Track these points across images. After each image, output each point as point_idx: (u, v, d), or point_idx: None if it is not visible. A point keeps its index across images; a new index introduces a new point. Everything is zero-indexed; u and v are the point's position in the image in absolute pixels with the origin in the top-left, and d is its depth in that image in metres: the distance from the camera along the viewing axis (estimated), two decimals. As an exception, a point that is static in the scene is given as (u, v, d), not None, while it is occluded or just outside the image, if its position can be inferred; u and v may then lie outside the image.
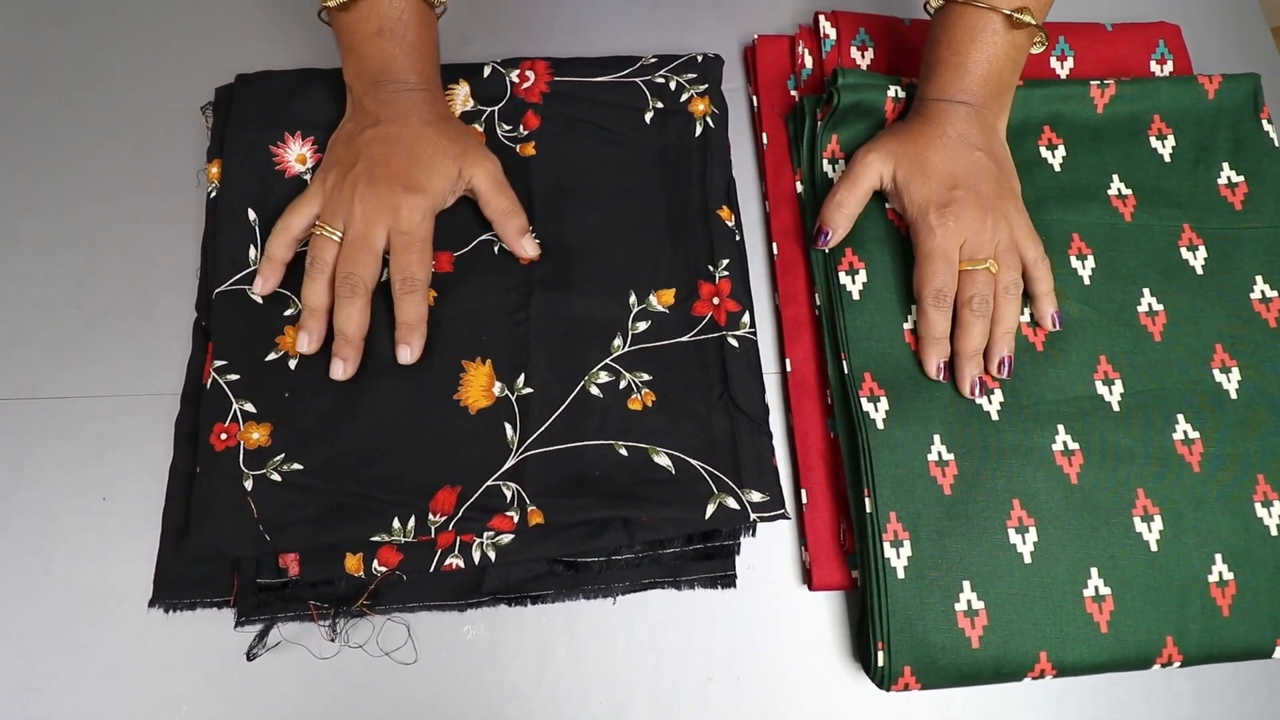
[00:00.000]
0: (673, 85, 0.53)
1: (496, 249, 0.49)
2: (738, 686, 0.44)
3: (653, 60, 0.54)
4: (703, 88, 0.53)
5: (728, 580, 0.45)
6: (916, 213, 0.47)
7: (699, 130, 0.53)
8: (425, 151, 0.46)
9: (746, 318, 0.48)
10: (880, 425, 0.44)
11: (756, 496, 0.44)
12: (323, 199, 0.47)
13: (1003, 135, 0.50)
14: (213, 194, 0.50)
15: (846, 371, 0.46)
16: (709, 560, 0.45)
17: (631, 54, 0.54)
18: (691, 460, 0.45)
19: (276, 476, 0.43)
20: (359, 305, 0.45)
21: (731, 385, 0.46)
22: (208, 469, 0.43)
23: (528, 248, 0.48)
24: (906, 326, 0.47)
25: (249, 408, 0.45)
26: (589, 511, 0.43)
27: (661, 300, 0.48)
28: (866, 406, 0.45)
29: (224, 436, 0.44)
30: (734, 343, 0.47)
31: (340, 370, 0.45)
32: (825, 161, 0.51)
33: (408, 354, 0.45)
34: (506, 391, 0.46)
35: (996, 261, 0.46)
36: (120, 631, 0.43)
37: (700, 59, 0.54)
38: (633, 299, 0.48)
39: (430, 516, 0.43)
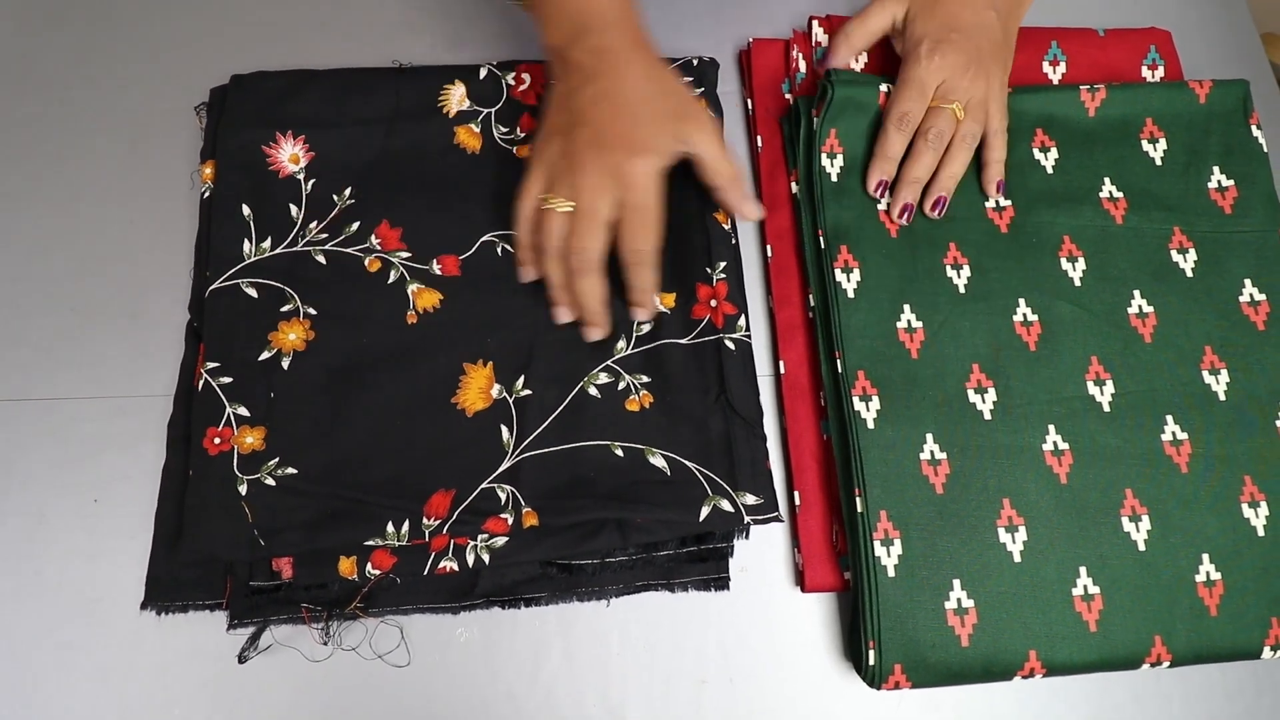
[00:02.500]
0: None
1: (499, 250, 0.50)
2: (731, 688, 0.45)
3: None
4: (698, 91, 0.54)
5: (721, 582, 0.46)
6: (910, 44, 0.50)
7: None
8: (648, 110, 0.44)
9: (742, 320, 0.49)
10: (870, 425, 0.46)
11: (750, 499, 0.45)
12: (547, 171, 0.45)
13: (1017, 23, 0.53)
14: (206, 194, 0.51)
15: (840, 370, 0.47)
16: (703, 562, 0.46)
17: None
18: (687, 462, 0.46)
19: (271, 481, 0.44)
20: (594, 279, 0.45)
21: (728, 388, 0.47)
22: (201, 473, 0.44)
23: (753, 210, 0.49)
24: (900, 326, 0.48)
25: (242, 411, 0.45)
26: (583, 513, 0.44)
27: (664, 302, 0.50)
28: (858, 405, 0.46)
29: (218, 440, 0.45)
30: (730, 345, 0.48)
31: (596, 334, 0.47)
32: (824, 156, 0.51)
33: (640, 315, 0.47)
34: (505, 394, 0.47)
35: (964, 110, 0.49)
36: (111, 634, 0.44)
37: (696, 63, 0.55)
38: None
39: (424, 520, 0.44)
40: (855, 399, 0.46)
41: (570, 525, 0.44)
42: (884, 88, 0.52)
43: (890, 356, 0.48)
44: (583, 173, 0.43)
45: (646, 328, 0.49)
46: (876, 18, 0.52)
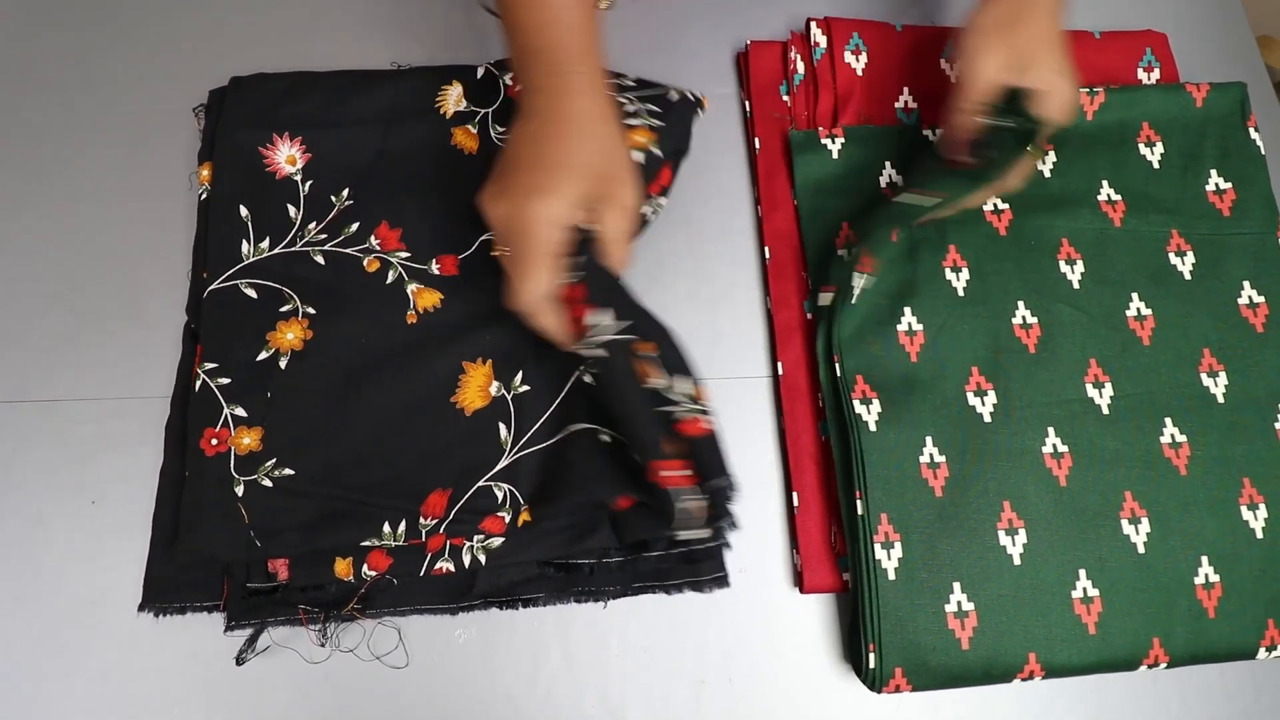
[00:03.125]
0: (629, 107, 0.50)
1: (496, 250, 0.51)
2: (730, 689, 0.45)
3: (631, 83, 0.53)
4: (658, 123, 0.50)
5: (719, 581, 0.46)
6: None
7: (641, 159, 0.48)
8: (568, 162, 0.41)
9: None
10: (873, 428, 0.46)
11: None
12: (488, 208, 0.43)
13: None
14: (204, 196, 0.51)
15: (838, 374, 0.47)
16: (696, 564, 0.45)
17: (620, 71, 0.53)
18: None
19: (268, 482, 0.44)
20: (537, 325, 0.43)
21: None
22: (198, 474, 0.44)
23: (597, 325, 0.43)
24: (900, 329, 0.49)
25: (239, 412, 0.45)
26: (573, 496, 0.43)
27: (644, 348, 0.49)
28: (859, 409, 0.46)
29: (214, 441, 0.45)
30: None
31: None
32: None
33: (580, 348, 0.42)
34: (503, 391, 0.47)
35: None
36: (109, 636, 0.44)
37: (676, 98, 0.52)
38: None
39: (421, 520, 0.44)
40: (856, 402, 0.46)
41: (564, 526, 0.44)
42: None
43: (888, 361, 0.48)
44: (506, 221, 0.41)
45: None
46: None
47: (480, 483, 0.45)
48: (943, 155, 0.49)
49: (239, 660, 0.43)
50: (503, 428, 0.46)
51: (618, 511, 0.44)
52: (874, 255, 0.49)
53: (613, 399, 0.42)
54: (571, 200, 0.41)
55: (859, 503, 0.44)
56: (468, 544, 0.43)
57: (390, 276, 0.49)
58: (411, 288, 0.49)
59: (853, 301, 0.49)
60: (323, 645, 0.43)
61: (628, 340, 0.42)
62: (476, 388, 0.47)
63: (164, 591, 0.44)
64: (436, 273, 0.50)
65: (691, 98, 0.52)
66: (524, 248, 0.41)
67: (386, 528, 0.43)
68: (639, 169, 0.46)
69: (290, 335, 0.48)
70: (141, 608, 0.44)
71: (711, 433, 0.41)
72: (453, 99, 0.54)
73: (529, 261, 0.41)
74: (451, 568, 0.43)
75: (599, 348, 0.42)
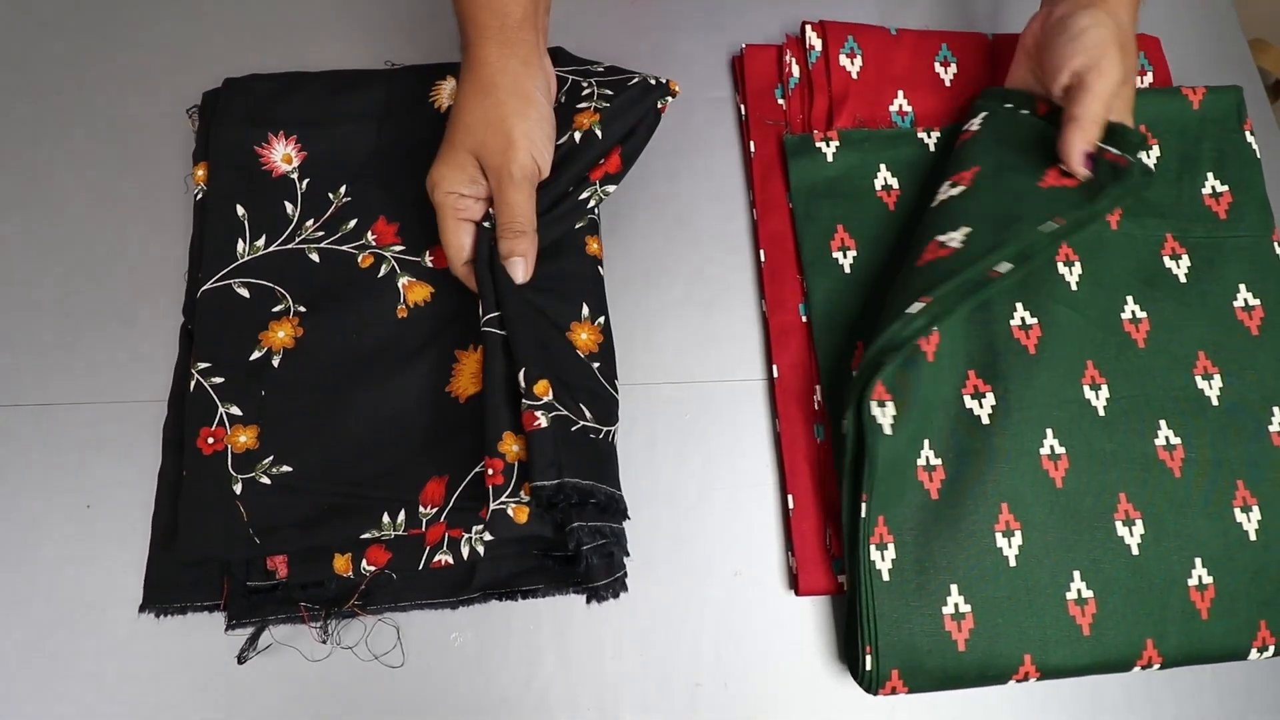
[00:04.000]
0: (584, 90, 0.50)
1: (491, 240, 0.51)
2: (725, 692, 0.45)
3: (600, 69, 0.52)
4: (604, 105, 0.49)
5: (617, 585, 0.45)
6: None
7: (578, 139, 0.48)
8: (463, 124, 0.45)
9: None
10: (887, 430, 0.45)
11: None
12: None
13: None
14: (199, 196, 0.52)
15: (855, 375, 0.46)
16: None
17: (616, 63, 0.54)
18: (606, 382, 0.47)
19: (266, 480, 0.44)
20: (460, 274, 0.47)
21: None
22: (195, 473, 0.45)
23: (516, 270, 0.45)
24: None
25: (235, 410, 0.46)
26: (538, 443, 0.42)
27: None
28: (875, 411, 0.45)
29: (211, 440, 0.45)
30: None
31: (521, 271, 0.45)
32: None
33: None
34: None
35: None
36: (108, 638, 0.44)
37: (635, 81, 0.50)
38: None
39: (421, 509, 0.44)
40: (873, 404, 0.45)
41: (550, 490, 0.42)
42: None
43: (905, 362, 0.47)
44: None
45: None
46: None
47: (478, 468, 0.45)
48: (1063, 163, 0.48)
49: (240, 659, 0.43)
50: None
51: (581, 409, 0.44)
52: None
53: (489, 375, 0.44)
54: (455, 165, 0.44)
55: (863, 505, 0.44)
56: (466, 535, 0.44)
57: (383, 270, 0.50)
58: (403, 281, 0.50)
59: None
60: (324, 643, 0.44)
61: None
62: (470, 374, 0.47)
63: (164, 592, 0.44)
64: (429, 265, 0.50)
65: (654, 82, 0.50)
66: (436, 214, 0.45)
67: (386, 518, 0.44)
68: (570, 149, 0.48)
69: (281, 334, 0.48)
70: (142, 609, 0.44)
71: (542, 429, 0.42)
72: (447, 93, 0.55)
73: (439, 227, 0.45)
74: (450, 560, 0.44)
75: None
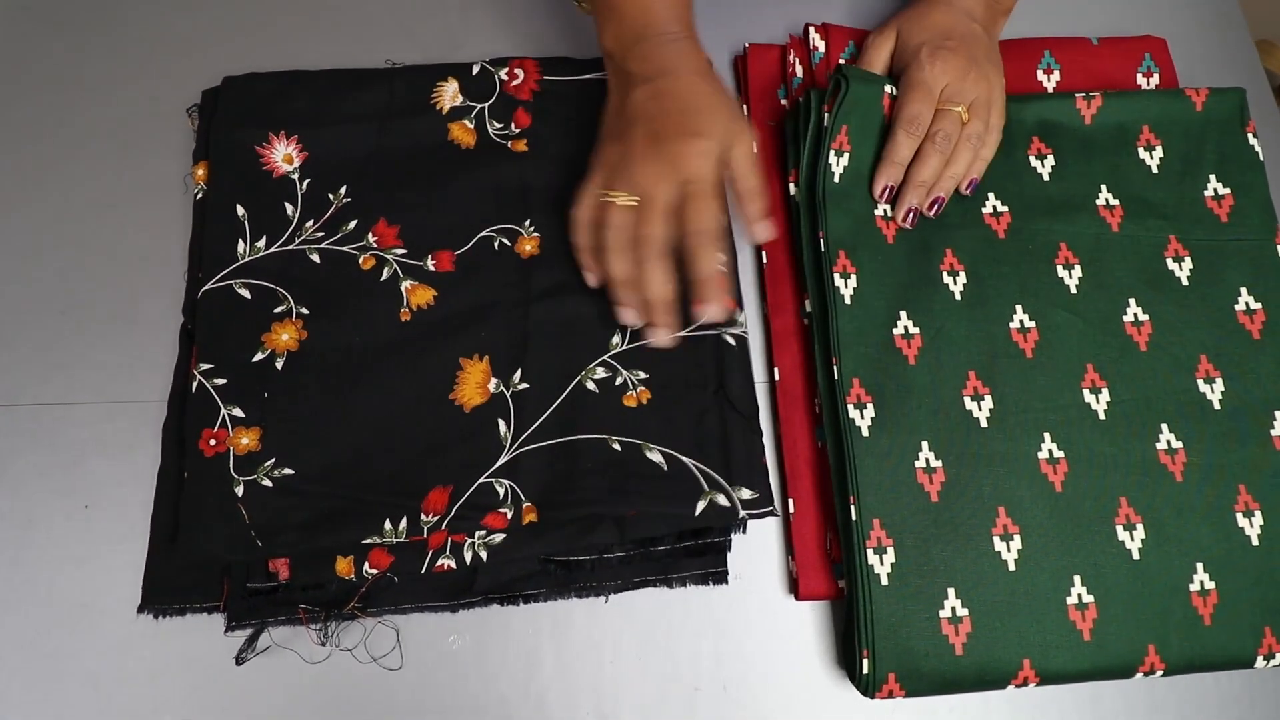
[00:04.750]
0: None
1: (496, 245, 0.51)
2: (724, 696, 0.45)
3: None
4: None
5: (719, 576, 0.46)
6: (910, 54, 0.53)
7: None
8: (701, 100, 0.46)
9: (740, 315, 0.50)
10: (865, 433, 0.46)
11: (746, 494, 0.46)
12: (606, 173, 0.47)
13: (998, 35, 0.56)
14: (199, 196, 0.52)
15: (836, 377, 0.47)
16: (699, 557, 0.47)
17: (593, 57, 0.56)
18: (683, 457, 0.46)
19: (268, 482, 0.45)
20: (661, 266, 0.45)
21: (725, 383, 0.48)
22: (197, 475, 0.45)
23: (765, 231, 0.48)
24: (897, 333, 0.49)
25: (237, 412, 0.46)
26: (581, 507, 0.45)
27: None
28: (853, 413, 0.47)
29: (213, 442, 0.45)
30: (730, 340, 0.49)
31: (665, 337, 0.46)
32: (832, 153, 0.52)
33: (715, 310, 0.45)
34: (502, 388, 0.48)
35: (969, 113, 0.51)
36: (104, 639, 0.45)
37: None
38: None
39: (422, 516, 0.44)
40: (850, 406, 0.47)
41: (567, 520, 0.45)
42: (889, 89, 0.52)
43: (886, 363, 0.48)
44: (642, 163, 0.45)
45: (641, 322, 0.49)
46: (874, 53, 0.55)
47: (481, 479, 0.45)
48: None
49: (239, 660, 0.44)
50: (502, 424, 0.47)
51: (625, 513, 0.44)
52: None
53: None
54: (721, 142, 0.45)
55: (852, 508, 0.45)
56: (469, 541, 0.44)
57: (385, 273, 0.50)
58: (406, 284, 0.50)
59: (848, 303, 0.49)
60: (323, 644, 0.44)
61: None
62: (474, 384, 0.47)
63: (163, 593, 0.45)
64: (432, 269, 0.50)
65: None
66: (694, 185, 0.45)
67: (388, 525, 0.44)
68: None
69: (285, 336, 0.48)
70: (141, 609, 0.45)
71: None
72: (449, 94, 0.55)
73: (706, 196, 0.45)
74: (453, 564, 0.44)
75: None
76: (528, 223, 0.52)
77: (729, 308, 0.46)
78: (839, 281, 0.50)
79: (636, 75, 0.47)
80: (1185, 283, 0.52)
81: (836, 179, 0.52)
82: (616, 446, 0.47)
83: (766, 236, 0.48)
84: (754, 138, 0.48)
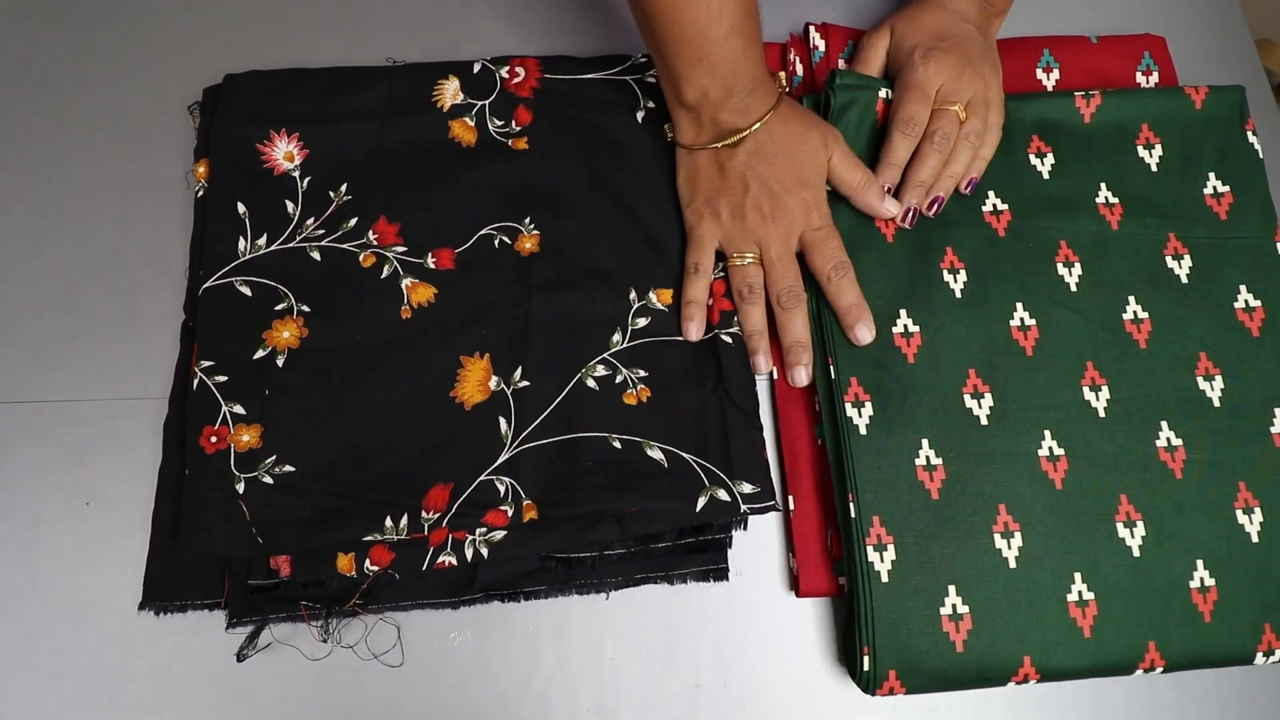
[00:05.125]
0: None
1: (496, 243, 0.51)
2: (725, 693, 0.45)
3: (643, 59, 0.56)
4: None
5: (720, 573, 0.47)
6: (904, 56, 0.53)
7: None
8: (802, 149, 0.49)
9: (737, 316, 0.50)
10: (863, 431, 0.46)
11: (747, 488, 0.46)
12: (723, 232, 0.50)
13: (994, 34, 0.56)
14: (200, 193, 0.52)
15: (833, 376, 0.48)
16: (700, 554, 0.47)
17: (621, 53, 0.57)
18: (684, 454, 0.47)
19: (268, 479, 0.45)
20: (803, 313, 0.49)
21: (725, 378, 0.49)
22: (198, 472, 0.45)
23: (891, 208, 0.51)
24: (896, 331, 0.49)
25: (238, 409, 0.46)
26: (582, 505, 0.45)
27: (661, 299, 0.50)
28: (850, 412, 0.47)
29: (214, 439, 0.45)
30: (727, 340, 0.50)
31: (804, 375, 0.49)
32: None
33: (865, 331, 0.48)
34: (503, 385, 0.48)
35: (966, 111, 0.52)
36: (106, 636, 0.45)
37: None
38: (633, 295, 0.50)
39: (423, 514, 0.45)
40: (848, 405, 0.47)
41: (568, 518, 0.45)
42: (884, 93, 0.53)
43: (886, 362, 0.48)
44: (768, 224, 0.49)
45: (642, 321, 0.50)
46: (870, 52, 0.55)
47: (482, 477, 0.45)
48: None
49: (240, 657, 0.44)
50: (503, 422, 0.47)
51: (626, 510, 0.45)
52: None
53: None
54: (825, 177, 0.51)
55: (851, 505, 0.45)
56: (470, 537, 0.44)
57: (385, 271, 0.50)
58: (406, 282, 0.50)
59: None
60: (324, 641, 0.44)
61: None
62: (475, 382, 0.48)
63: (164, 590, 0.45)
64: (432, 266, 0.50)
65: None
66: (819, 228, 0.49)
67: (389, 522, 0.44)
68: None
69: (286, 334, 0.48)
70: (142, 606, 0.45)
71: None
72: (449, 92, 0.55)
73: (833, 234, 0.49)
74: (454, 561, 0.44)
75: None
76: (528, 220, 0.52)
77: (871, 329, 0.48)
78: None
79: (730, 128, 0.48)
80: (1185, 280, 0.52)
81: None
82: (617, 444, 0.47)
83: (894, 212, 0.51)
84: (843, 141, 0.51)
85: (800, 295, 0.49)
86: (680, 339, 0.50)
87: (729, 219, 0.50)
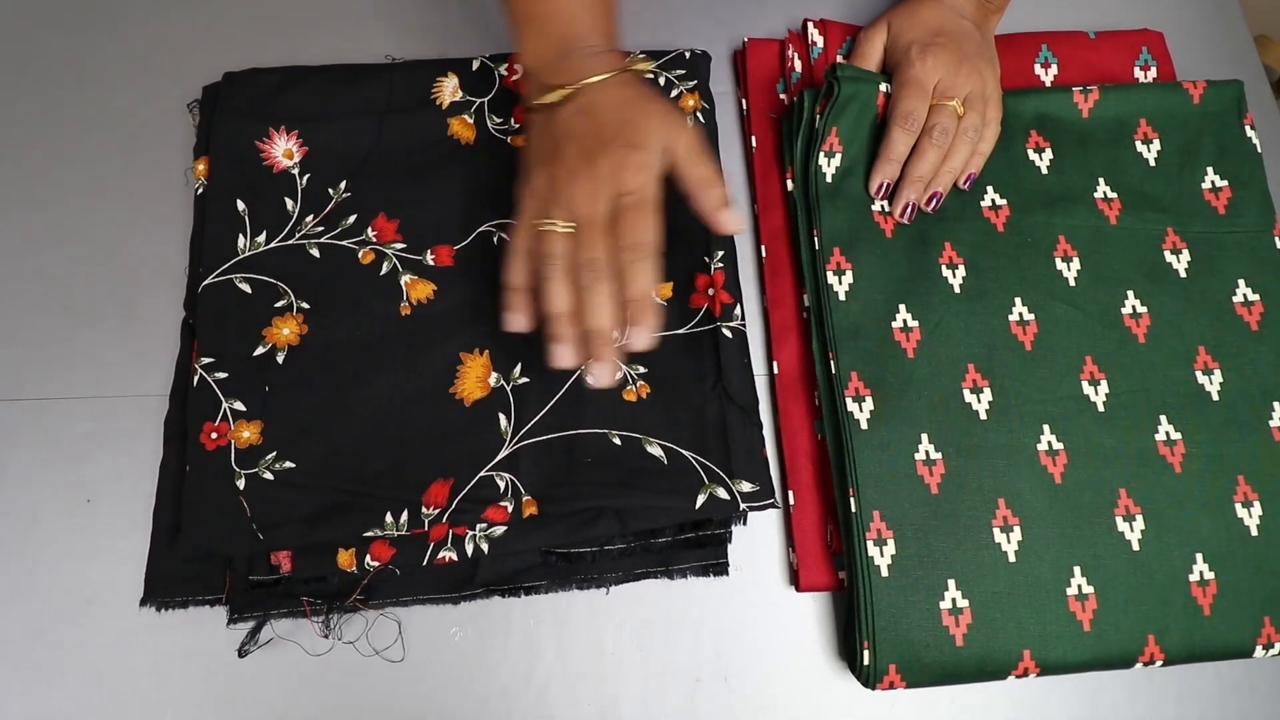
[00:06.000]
0: (661, 81, 0.56)
1: (496, 239, 0.51)
2: (725, 687, 0.46)
3: (642, 54, 0.56)
4: (691, 84, 0.56)
5: (720, 568, 0.47)
6: (900, 52, 0.53)
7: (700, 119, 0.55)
8: (633, 110, 0.43)
9: (738, 310, 0.51)
10: (864, 425, 0.47)
11: (746, 486, 0.46)
12: (535, 199, 0.43)
13: (991, 30, 0.56)
14: (200, 191, 0.52)
15: (834, 371, 0.48)
16: (700, 548, 0.47)
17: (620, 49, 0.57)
18: (683, 451, 0.47)
19: (269, 475, 0.45)
20: (607, 292, 0.41)
21: (724, 376, 0.49)
22: (199, 468, 0.45)
23: (730, 222, 0.44)
24: (895, 326, 0.49)
25: (238, 406, 0.46)
26: (581, 500, 0.45)
27: (660, 293, 0.51)
28: (851, 406, 0.47)
29: (214, 436, 0.46)
30: (727, 334, 0.50)
31: (605, 375, 0.41)
32: (823, 155, 0.52)
33: (643, 336, 0.41)
34: (502, 382, 0.48)
35: (964, 106, 0.52)
36: (107, 632, 0.45)
37: (688, 55, 0.57)
38: None
39: (423, 509, 0.45)
40: (849, 400, 0.47)
41: (568, 513, 0.45)
42: (884, 87, 0.53)
43: (885, 357, 0.48)
44: (575, 183, 0.42)
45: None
46: (867, 46, 0.55)
47: (482, 473, 0.46)
48: None
49: (241, 652, 0.44)
50: (502, 418, 0.47)
51: (626, 506, 0.45)
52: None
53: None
54: (658, 148, 0.42)
55: (852, 500, 0.45)
56: (470, 533, 0.44)
57: (384, 268, 0.50)
58: (405, 279, 0.50)
59: (842, 299, 0.49)
60: (325, 637, 0.44)
61: None
62: (475, 378, 0.48)
63: (166, 586, 0.45)
64: (431, 263, 0.51)
65: (700, 52, 0.57)
66: (632, 196, 0.41)
67: (389, 518, 0.44)
68: (709, 133, 0.55)
69: (286, 331, 0.48)
70: (143, 602, 0.45)
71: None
72: (448, 90, 0.55)
73: (645, 207, 0.41)
74: (454, 557, 0.44)
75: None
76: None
77: (651, 336, 0.42)
78: (832, 279, 0.50)
79: (555, 84, 0.44)
80: (1183, 275, 0.52)
81: (828, 179, 0.52)
82: (617, 441, 0.47)
83: (735, 228, 0.44)
84: (693, 131, 0.44)
85: (603, 273, 0.41)
86: (681, 333, 0.50)
87: (542, 182, 0.43)
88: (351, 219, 0.51)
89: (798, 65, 0.57)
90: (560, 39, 0.44)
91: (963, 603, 0.44)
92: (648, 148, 0.42)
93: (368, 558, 0.44)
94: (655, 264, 0.41)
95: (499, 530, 0.45)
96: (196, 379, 0.47)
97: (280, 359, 0.48)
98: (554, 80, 0.44)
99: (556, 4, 0.44)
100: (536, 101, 0.44)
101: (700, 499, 0.45)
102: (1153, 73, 0.59)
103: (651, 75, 0.55)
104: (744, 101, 0.58)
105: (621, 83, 0.44)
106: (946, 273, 0.51)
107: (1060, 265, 0.52)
